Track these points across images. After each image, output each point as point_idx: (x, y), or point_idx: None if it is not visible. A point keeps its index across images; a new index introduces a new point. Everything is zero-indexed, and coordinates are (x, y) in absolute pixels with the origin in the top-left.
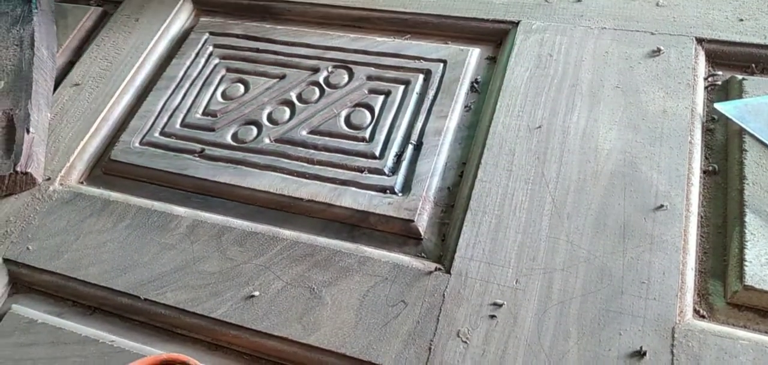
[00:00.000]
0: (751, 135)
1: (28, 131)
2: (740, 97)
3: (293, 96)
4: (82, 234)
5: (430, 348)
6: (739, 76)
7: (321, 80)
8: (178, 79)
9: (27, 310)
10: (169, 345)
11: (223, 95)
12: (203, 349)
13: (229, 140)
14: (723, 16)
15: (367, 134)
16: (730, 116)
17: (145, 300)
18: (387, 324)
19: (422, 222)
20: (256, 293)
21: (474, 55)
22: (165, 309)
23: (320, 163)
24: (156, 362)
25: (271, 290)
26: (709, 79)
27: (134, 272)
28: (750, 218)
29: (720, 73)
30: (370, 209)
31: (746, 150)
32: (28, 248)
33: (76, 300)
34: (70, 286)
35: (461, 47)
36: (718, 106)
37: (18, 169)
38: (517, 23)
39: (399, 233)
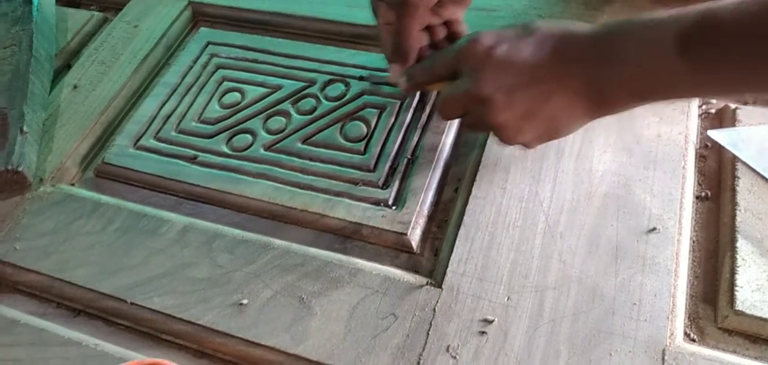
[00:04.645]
0: (744, 163)
1: (22, 131)
2: (733, 125)
3: (289, 106)
4: (70, 236)
5: (418, 363)
6: (733, 105)
7: (317, 92)
8: (174, 86)
9: (9, 310)
10: (154, 351)
11: (220, 103)
12: (189, 355)
13: (223, 147)
14: None
15: (362, 146)
16: (723, 144)
17: (132, 303)
18: (376, 337)
19: (415, 236)
20: (245, 301)
21: None
22: (151, 313)
23: (314, 173)
24: None
25: (260, 298)
26: (703, 107)
27: (122, 276)
28: (741, 244)
29: (714, 101)
30: (363, 221)
31: (739, 177)
32: (15, 248)
33: (60, 302)
34: (55, 287)
35: None
36: (711, 133)
37: (9, 168)
38: None
39: (391, 246)
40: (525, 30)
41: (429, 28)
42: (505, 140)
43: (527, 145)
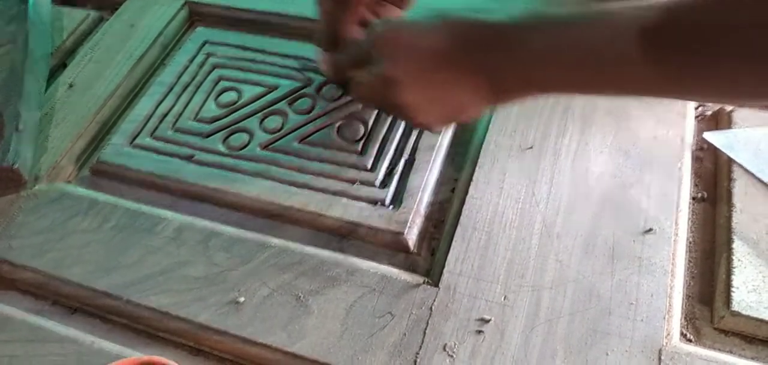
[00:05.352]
0: (740, 165)
1: (17, 129)
2: (730, 127)
3: (286, 106)
4: (66, 234)
5: (415, 361)
6: (729, 108)
7: (314, 91)
8: (171, 85)
9: (5, 307)
10: (151, 348)
11: (216, 102)
12: (185, 353)
13: (220, 146)
14: None
15: (359, 146)
16: (719, 146)
17: (128, 301)
18: (373, 336)
19: (412, 235)
20: (242, 299)
21: None
22: (147, 311)
23: (311, 172)
24: (136, 364)
25: (257, 296)
26: (699, 109)
27: (118, 274)
28: (737, 245)
29: (709, 103)
30: (360, 221)
31: (735, 179)
32: (10, 245)
33: (56, 299)
34: (51, 284)
35: None
36: (707, 135)
37: (5, 165)
38: None
39: (388, 246)
40: (437, 16)
41: (366, 25)
42: (411, 120)
43: (430, 126)
